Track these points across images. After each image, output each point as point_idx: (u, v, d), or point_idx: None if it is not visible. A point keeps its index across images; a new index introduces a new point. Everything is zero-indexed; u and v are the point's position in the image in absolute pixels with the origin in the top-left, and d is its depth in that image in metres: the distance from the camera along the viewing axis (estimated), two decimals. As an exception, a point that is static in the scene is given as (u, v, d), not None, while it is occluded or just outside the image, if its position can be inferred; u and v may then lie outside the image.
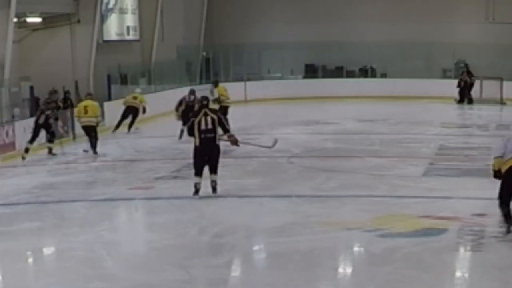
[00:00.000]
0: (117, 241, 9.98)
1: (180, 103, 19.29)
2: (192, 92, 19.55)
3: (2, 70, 18.64)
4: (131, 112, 20.90)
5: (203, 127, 12.03)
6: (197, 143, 12.10)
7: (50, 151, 17.17)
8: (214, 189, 12.30)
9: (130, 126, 20.88)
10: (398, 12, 29.92)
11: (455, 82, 26.94)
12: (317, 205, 11.54)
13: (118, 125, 20.72)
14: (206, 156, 12.14)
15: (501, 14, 28.97)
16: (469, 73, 26.84)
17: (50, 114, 17.07)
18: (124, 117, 20.85)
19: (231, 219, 10.82)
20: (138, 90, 22.09)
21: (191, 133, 12.21)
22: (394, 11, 30.03)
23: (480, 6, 29.56)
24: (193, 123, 12.11)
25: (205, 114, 12.13)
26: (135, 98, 21.29)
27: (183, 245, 9.58)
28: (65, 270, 8.68)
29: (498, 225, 10.12)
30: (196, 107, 14.30)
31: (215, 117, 12.18)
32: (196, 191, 12.08)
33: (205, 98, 12.79)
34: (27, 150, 16.59)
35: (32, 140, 16.67)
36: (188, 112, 17.48)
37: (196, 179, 12.14)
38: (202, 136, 12.02)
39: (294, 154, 16.50)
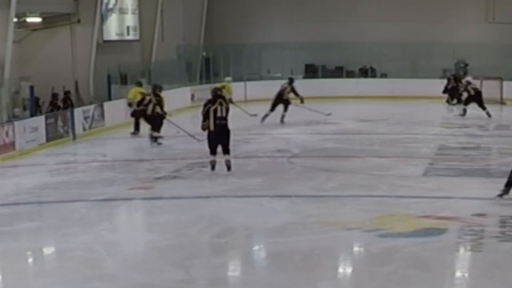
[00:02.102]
0: (117, 241, 9.97)
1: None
2: (290, 81, 22.14)
3: (2, 70, 18.64)
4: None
5: (218, 114, 13.85)
6: (212, 128, 13.87)
7: (155, 139, 17.98)
8: (228, 167, 14.02)
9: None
10: (398, 12, 29.94)
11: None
12: (317, 205, 11.53)
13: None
14: (219, 139, 13.93)
15: (501, 14, 28.98)
16: (456, 80, 26.81)
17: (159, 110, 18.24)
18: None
19: (231, 219, 10.81)
20: (228, 78, 23.96)
21: (206, 117, 13.90)
22: (394, 11, 30.05)
23: (480, 6, 29.58)
24: (209, 110, 13.84)
25: (221, 104, 13.95)
26: (222, 87, 22.39)
27: (183, 245, 9.57)
28: (65, 270, 8.67)
29: (498, 225, 10.14)
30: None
31: (228, 107, 14.13)
32: (213, 167, 14.06)
33: (219, 89, 14.70)
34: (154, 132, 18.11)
35: (155, 128, 18.15)
36: (277, 98, 21.57)
37: (212, 157, 14.10)
38: (217, 122, 13.83)
39: (294, 154, 16.51)
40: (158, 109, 18.19)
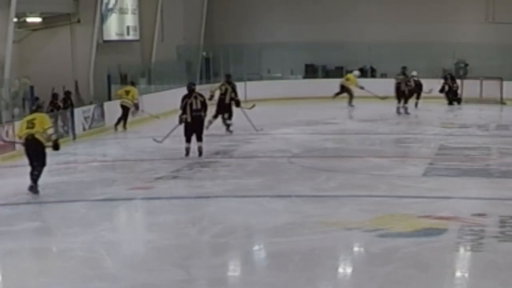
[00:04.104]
0: (117, 241, 9.97)
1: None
2: (404, 69, 24.64)
3: (2, 70, 18.63)
4: (345, 90, 25.99)
5: (194, 107, 15.71)
6: (189, 119, 15.73)
7: (228, 127, 19.47)
8: (200, 153, 15.86)
9: (349, 101, 25.90)
10: (398, 12, 29.92)
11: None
12: (317, 205, 11.53)
13: (350, 99, 25.92)
14: (194, 128, 15.75)
15: (501, 14, 28.97)
16: (452, 79, 26.96)
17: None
18: (340, 93, 26.04)
19: (231, 219, 10.81)
20: (356, 72, 26.61)
21: (184, 110, 15.73)
22: (394, 11, 30.03)
23: (480, 6, 29.56)
24: (186, 103, 15.70)
25: (195, 97, 15.80)
26: (347, 79, 26.27)
27: (183, 245, 9.58)
28: (65, 270, 8.67)
29: (498, 225, 10.14)
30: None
31: (202, 99, 15.88)
32: (187, 153, 15.82)
33: (193, 84, 16.49)
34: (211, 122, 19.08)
35: (230, 116, 19.57)
36: (397, 92, 23.86)
37: (186, 145, 15.87)
38: (194, 114, 15.69)
39: (294, 154, 16.50)
40: (233, 97, 19.54)
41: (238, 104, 19.51)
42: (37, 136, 12.41)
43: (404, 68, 24.93)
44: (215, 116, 19.38)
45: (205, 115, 16.03)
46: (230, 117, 19.55)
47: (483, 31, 29.05)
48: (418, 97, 25.19)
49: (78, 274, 8.44)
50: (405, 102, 23.80)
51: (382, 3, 30.37)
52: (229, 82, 19.84)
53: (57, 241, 10.09)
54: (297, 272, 8.38)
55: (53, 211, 11.83)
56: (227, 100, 19.40)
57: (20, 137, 12.80)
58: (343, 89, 26.13)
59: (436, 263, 8.54)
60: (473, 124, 21.48)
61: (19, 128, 13.06)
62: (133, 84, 21.85)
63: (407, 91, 23.98)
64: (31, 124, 12.53)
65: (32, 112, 12.97)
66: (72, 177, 14.53)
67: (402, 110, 23.68)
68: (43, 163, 12.44)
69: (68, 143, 18.72)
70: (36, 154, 12.40)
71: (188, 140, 15.87)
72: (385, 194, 12.20)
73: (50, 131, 12.61)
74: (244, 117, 19.46)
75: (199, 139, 15.89)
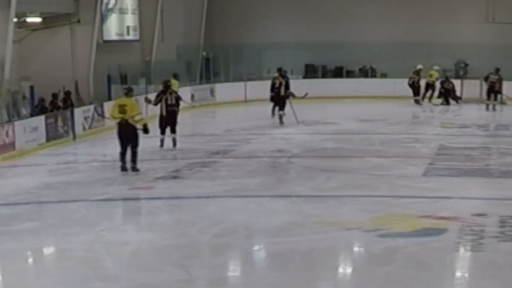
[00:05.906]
0: (117, 241, 9.97)
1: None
2: (497, 70, 25.25)
3: (2, 70, 18.62)
4: (430, 87, 26.73)
5: (169, 102, 17.03)
6: (164, 113, 17.04)
7: (281, 118, 21.03)
8: (174, 144, 17.11)
9: (430, 98, 26.70)
10: (398, 12, 29.92)
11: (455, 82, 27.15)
12: (317, 205, 11.54)
13: (422, 97, 26.72)
14: (169, 121, 17.01)
15: (501, 14, 28.97)
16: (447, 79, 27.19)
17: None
18: (426, 90, 26.81)
19: (231, 219, 10.82)
20: (436, 67, 27.13)
21: (157, 102, 17.14)
22: (394, 11, 30.03)
23: (480, 6, 29.56)
24: (161, 99, 17.05)
25: (170, 93, 17.18)
26: (430, 75, 26.81)
27: (183, 245, 9.58)
28: (65, 270, 8.68)
29: (498, 225, 10.14)
30: None
31: (176, 95, 17.35)
32: (162, 144, 17.11)
33: (168, 81, 17.79)
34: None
35: (283, 107, 21.35)
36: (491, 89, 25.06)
37: (161, 136, 17.16)
38: (169, 108, 17.01)
39: (294, 154, 16.51)
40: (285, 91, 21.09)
41: (288, 96, 21.09)
42: (130, 121, 14.04)
43: (498, 69, 25.47)
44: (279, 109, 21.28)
45: (178, 110, 17.24)
46: (283, 108, 21.21)
47: (483, 31, 29.05)
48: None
49: (78, 274, 8.44)
50: (495, 99, 25.02)
51: (382, 3, 30.37)
52: (283, 76, 21.43)
53: (57, 241, 10.09)
54: (297, 272, 8.38)
55: (53, 211, 11.83)
56: (282, 92, 21.09)
57: (114, 119, 14.33)
58: (429, 86, 26.85)
59: (436, 263, 8.55)
60: (473, 124, 21.48)
61: (111, 109, 14.68)
62: (175, 76, 23.12)
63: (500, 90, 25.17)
64: (123, 110, 14.06)
65: (125, 94, 14.52)
66: (72, 177, 14.52)
67: (490, 107, 24.86)
68: (136, 144, 14.27)
69: (68, 143, 18.75)
70: (129, 136, 14.18)
71: (162, 132, 17.16)
72: (385, 194, 12.20)
73: (137, 117, 14.18)
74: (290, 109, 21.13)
75: (173, 131, 17.16)
